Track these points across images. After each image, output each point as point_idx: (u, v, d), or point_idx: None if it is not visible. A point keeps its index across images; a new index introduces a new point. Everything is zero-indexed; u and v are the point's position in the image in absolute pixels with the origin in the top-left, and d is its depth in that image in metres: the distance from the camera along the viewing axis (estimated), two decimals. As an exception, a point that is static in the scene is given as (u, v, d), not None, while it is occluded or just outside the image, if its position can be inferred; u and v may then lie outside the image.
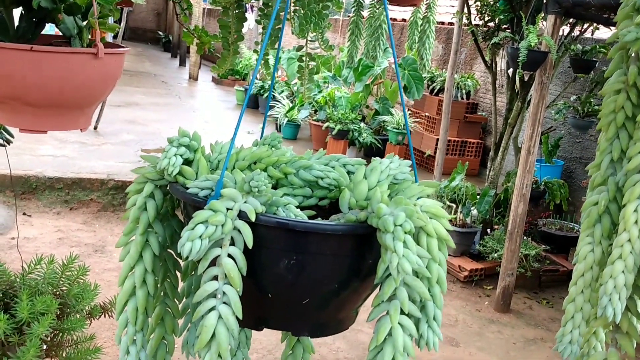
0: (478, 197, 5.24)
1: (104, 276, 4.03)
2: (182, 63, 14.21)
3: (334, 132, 7.03)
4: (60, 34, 1.25)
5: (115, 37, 10.99)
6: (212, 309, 0.76)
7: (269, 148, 1.04)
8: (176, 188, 0.87)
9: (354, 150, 7.36)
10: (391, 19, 8.90)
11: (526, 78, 5.05)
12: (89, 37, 1.24)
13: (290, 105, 8.12)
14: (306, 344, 1.14)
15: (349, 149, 7.23)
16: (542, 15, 4.47)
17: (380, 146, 7.21)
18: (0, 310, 1.67)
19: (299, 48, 2.31)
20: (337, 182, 0.92)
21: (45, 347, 1.80)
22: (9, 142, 1.96)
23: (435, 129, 7.02)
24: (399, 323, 0.79)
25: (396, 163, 0.90)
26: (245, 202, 0.78)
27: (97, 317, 1.92)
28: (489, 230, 5.19)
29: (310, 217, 0.92)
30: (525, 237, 4.81)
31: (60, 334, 1.80)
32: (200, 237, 0.74)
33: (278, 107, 8.27)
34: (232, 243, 0.78)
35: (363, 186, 0.83)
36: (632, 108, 0.90)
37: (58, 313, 1.80)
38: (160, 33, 17.71)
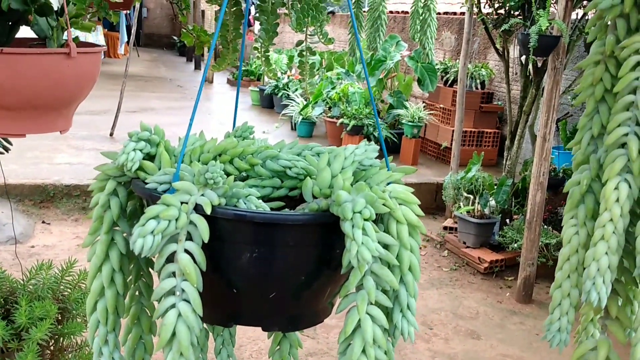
0: (495, 187, 5.16)
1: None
2: (197, 67, 14.29)
3: (348, 128, 6.99)
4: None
5: (128, 43, 11.09)
6: (172, 306, 0.74)
7: (240, 139, 1.01)
8: (137, 184, 0.85)
9: (370, 146, 7.31)
10: (390, 11, 8.82)
11: (539, 64, 4.94)
12: (64, 37, 1.23)
13: (305, 103, 8.09)
14: (293, 339, 1.11)
15: (364, 144, 7.19)
16: (554, -2, 4.38)
17: (396, 140, 7.14)
18: (1, 316, 1.68)
19: (299, 43, 2.27)
20: (307, 171, 0.89)
21: (48, 352, 1.81)
22: (6, 149, 1.96)
23: (450, 120, 6.92)
24: (367, 313, 0.76)
25: (362, 149, 0.86)
26: (202, 195, 0.76)
27: (99, 320, 1.92)
28: (508, 220, 5.10)
29: (278, 208, 0.89)
30: (545, 226, 4.72)
31: (61, 339, 1.80)
32: (152, 233, 0.72)
33: (292, 106, 8.25)
34: (190, 238, 0.76)
35: (326, 174, 0.80)
36: (610, 80, 0.84)
37: (59, 318, 1.81)
38: (175, 38, 17.84)
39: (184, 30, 2.63)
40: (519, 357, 3.62)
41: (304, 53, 2.25)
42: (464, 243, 4.99)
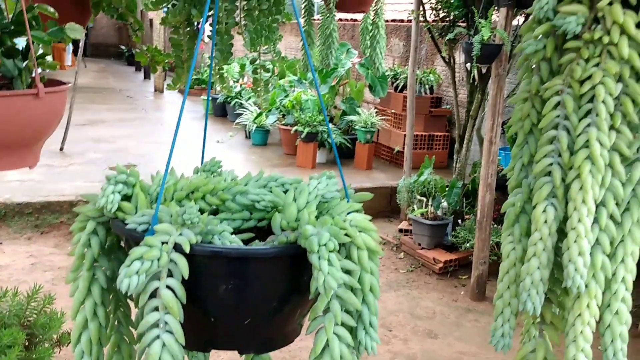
0: (447, 189, 5.35)
1: (79, 299, 4.02)
2: (147, 76, 14.10)
3: (303, 135, 7.08)
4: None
5: (75, 54, 10.83)
6: (156, 337, 0.81)
7: (208, 175, 1.09)
8: (116, 224, 0.92)
9: (325, 152, 7.42)
10: (340, 19, 8.96)
11: (484, 70, 5.15)
12: (30, 76, 1.27)
13: (258, 111, 8.14)
14: (263, 357, 1.19)
15: (319, 150, 7.29)
16: (495, 8, 4.57)
17: (349, 145, 7.29)
18: (-31, 346, 1.68)
19: (253, 60, 2.35)
20: (273, 204, 0.97)
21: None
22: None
23: (402, 125, 7.12)
24: (334, 334, 0.85)
25: (323, 183, 0.96)
26: (180, 234, 0.83)
27: (67, 344, 1.95)
28: (460, 221, 5.30)
29: (249, 239, 0.98)
30: (495, 225, 4.92)
31: (31, 365, 1.82)
32: (137, 273, 0.79)
33: (246, 114, 8.29)
34: (171, 274, 0.83)
35: (292, 208, 0.89)
36: (537, 115, 0.97)
37: (26, 344, 1.83)
38: (123, 47, 17.53)
39: (138, 51, 2.66)
40: (475, 353, 3.78)
41: (258, 70, 2.32)
42: (419, 245, 5.15)
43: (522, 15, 5.42)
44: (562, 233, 0.95)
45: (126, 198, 0.95)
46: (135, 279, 0.79)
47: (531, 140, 0.97)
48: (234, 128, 8.56)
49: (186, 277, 0.82)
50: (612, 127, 0.89)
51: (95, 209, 0.92)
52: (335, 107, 8.12)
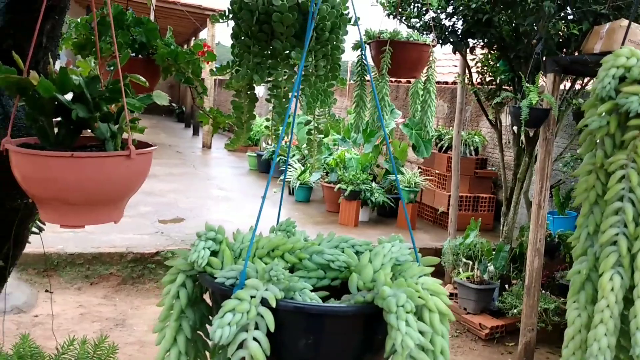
0: (494, 252, 5.29)
1: (125, 350, 4.09)
2: (196, 132, 14.62)
3: (346, 194, 7.17)
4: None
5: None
6: (242, 386, 0.86)
7: (284, 234, 1.17)
8: (205, 278, 0.99)
9: (367, 210, 7.47)
10: (392, 80, 9.14)
11: (531, 134, 5.18)
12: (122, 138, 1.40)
13: (302, 168, 8.31)
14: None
15: (362, 209, 7.35)
16: (542, 73, 4.65)
17: (393, 205, 7.33)
18: (37, 391, 1.76)
19: (307, 122, 2.47)
20: (347, 264, 1.04)
21: None
22: (41, 229, 2.12)
23: (446, 185, 7.14)
24: (407, 392, 0.89)
25: (397, 247, 1.02)
26: (266, 289, 0.90)
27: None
28: (507, 285, 5.21)
29: (323, 298, 1.04)
30: (543, 291, 4.82)
31: (93, 412, 1.89)
32: (229, 324, 0.86)
33: (290, 171, 8.46)
34: (257, 327, 0.89)
35: (369, 270, 0.95)
36: (602, 187, 1.02)
37: (91, 391, 1.90)
38: (174, 105, 18.28)
39: (201, 112, 2.83)
40: None
41: (312, 132, 2.44)
42: (465, 309, 5.06)
43: (569, 81, 5.48)
44: (628, 301, 0.98)
45: (213, 254, 1.03)
46: (227, 329, 0.85)
47: (596, 211, 1.02)
48: (278, 184, 8.74)
49: (272, 330, 0.88)
50: (677, 201, 0.93)
51: (186, 263, 1.01)
52: (378, 166, 8.22)
